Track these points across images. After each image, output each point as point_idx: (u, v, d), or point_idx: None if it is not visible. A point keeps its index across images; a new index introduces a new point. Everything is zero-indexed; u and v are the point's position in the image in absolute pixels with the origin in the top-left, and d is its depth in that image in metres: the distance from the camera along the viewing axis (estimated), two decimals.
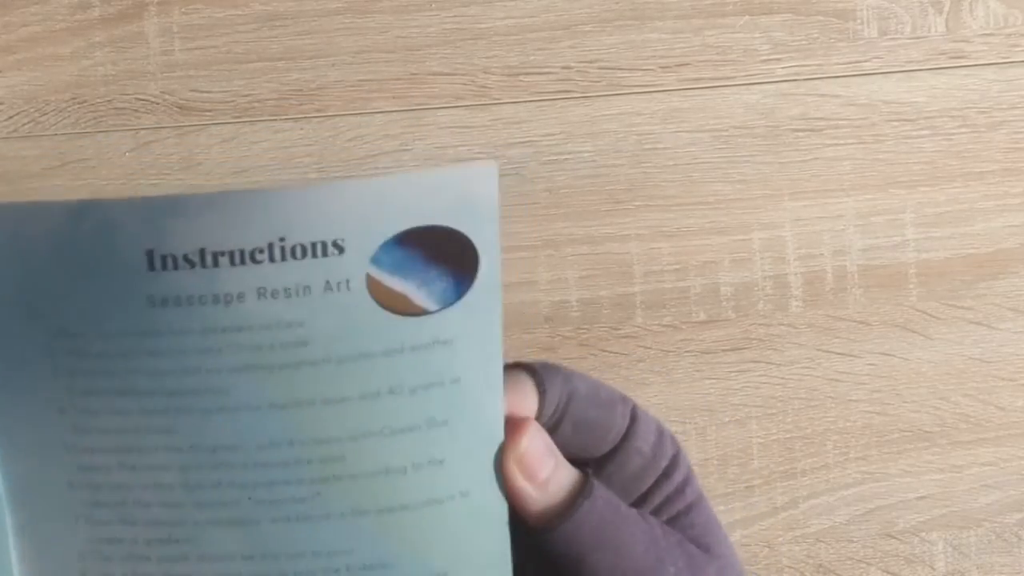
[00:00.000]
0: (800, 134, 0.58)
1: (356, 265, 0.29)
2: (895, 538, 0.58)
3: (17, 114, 0.57)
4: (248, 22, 0.57)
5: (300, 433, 0.30)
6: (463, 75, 0.58)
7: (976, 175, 0.58)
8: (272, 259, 0.29)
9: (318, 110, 0.57)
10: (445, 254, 0.29)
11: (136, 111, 0.57)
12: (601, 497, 0.32)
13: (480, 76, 0.58)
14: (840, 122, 0.58)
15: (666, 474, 0.33)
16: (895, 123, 0.58)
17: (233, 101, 0.57)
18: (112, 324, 0.29)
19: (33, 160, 0.57)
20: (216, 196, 0.28)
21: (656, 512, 0.33)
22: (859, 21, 0.58)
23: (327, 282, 0.29)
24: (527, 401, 0.32)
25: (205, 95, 0.57)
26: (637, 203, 0.58)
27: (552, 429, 0.33)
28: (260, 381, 0.30)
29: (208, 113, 0.57)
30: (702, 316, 0.58)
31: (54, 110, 0.57)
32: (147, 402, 0.30)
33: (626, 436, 0.33)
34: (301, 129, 0.57)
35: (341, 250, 0.29)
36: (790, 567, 0.58)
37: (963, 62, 0.58)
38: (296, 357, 0.29)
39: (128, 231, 0.28)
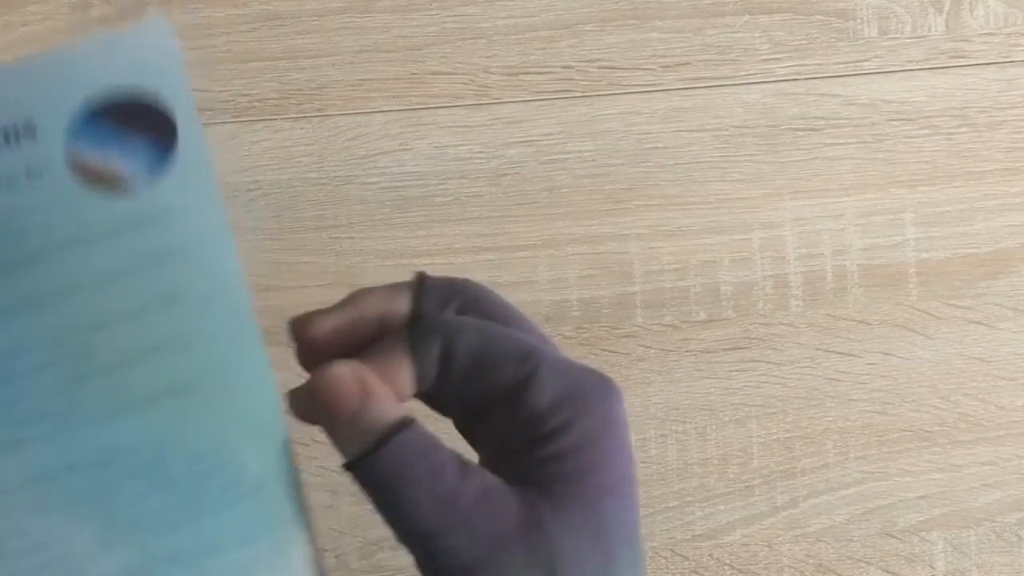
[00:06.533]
0: (800, 133, 0.58)
1: (53, 146, 0.27)
2: (895, 537, 0.58)
3: None
4: (248, 21, 0.57)
5: (36, 335, 0.28)
6: (463, 75, 0.58)
7: (976, 174, 0.58)
8: None
9: (318, 110, 0.57)
10: (143, 126, 0.28)
11: None
12: (403, 445, 0.31)
13: (480, 76, 0.58)
14: (840, 121, 0.58)
15: (550, 436, 0.32)
16: (895, 122, 0.58)
17: (233, 100, 0.57)
18: None
19: None
20: None
21: (531, 468, 0.32)
22: (859, 20, 0.58)
23: (27, 169, 0.27)
24: (400, 371, 0.32)
25: (205, 94, 0.57)
26: (637, 203, 0.58)
27: (438, 378, 0.33)
28: None
29: (208, 112, 0.57)
30: (702, 316, 0.58)
31: None
32: None
33: (518, 390, 0.32)
34: (301, 129, 0.57)
35: (34, 132, 0.27)
36: (790, 566, 0.58)
37: (963, 61, 0.58)
38: (15, 255, 0.28)
39: None
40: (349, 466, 0.32)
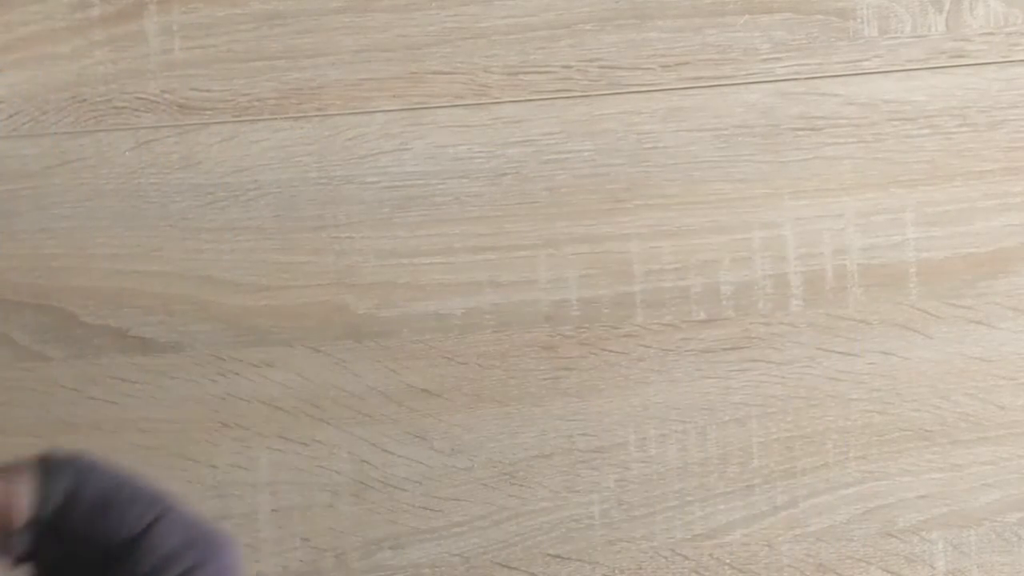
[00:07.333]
0: (800, 133, 0.58)
1: None
2: (895, 537, 0.58)
3: (17, 113, 0.57)
4: (248, 21, 0.57)
5: None
6: (463, 74, 0.58)
7: (976, 174, 0.58)
8: None
9: (318, 109, 0.57)
10: None
11: (136, 110, 0.57)
12: None
13: (480, 75, 0.58)
14: (840, 121, 0.58)
15: None
16: (895, 122, 0.58)
17: (233, 100, 0.57)
18: None
19: (33, 159, 0.57)
20: None
21: None
22: (859, 20, 0.58)
23: None
24: (18, 492, 0.34)
25: (205, 94, 0.57)
26: (637, 202, 0.58)
27: (60, 515, 0.34)
28: None
29: (208, 112, 0.57)
30: (702, 315, 0.58)
31: (54, 109, 0.57)
32: None
33: (141, 535, 0.34)
34: (301, 128, 0.57)
35: None
36: (790, 566, 0.58)
37: (963, 61, 0.58)
38: None
39: None
40: None
